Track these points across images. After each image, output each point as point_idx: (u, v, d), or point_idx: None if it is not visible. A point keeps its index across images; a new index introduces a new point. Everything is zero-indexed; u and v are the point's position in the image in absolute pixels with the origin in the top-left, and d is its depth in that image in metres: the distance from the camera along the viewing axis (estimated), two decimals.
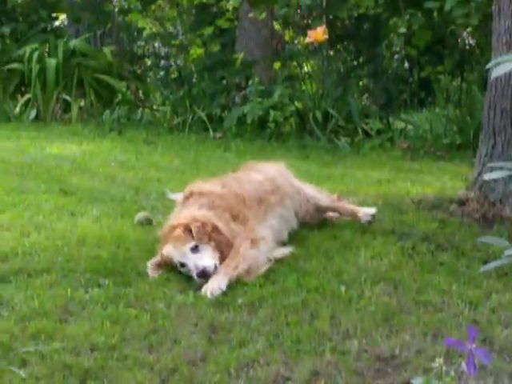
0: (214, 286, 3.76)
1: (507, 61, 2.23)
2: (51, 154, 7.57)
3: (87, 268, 4.02)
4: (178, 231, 4.06)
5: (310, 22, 11.31)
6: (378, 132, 9.23)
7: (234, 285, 3.85)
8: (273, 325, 3.45)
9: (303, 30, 11.23)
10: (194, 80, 10.97)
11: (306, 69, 11.71)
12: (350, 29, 12.62)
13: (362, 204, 5.23)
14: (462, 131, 8.73)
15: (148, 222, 4.92)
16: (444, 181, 6.51)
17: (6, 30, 11.74)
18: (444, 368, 2.21)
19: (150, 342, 3.28)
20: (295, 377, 3.03)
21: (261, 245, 4.19)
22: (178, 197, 4.89)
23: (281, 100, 9.42)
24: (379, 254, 4.35)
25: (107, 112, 10.30)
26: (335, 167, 7.39)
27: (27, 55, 10.80)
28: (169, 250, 4.05)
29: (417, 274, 4.07)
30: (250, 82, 9.83)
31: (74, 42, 11.30)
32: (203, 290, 3.76)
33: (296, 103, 9.70)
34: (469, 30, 10.96)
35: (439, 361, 2.22)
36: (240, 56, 10.63)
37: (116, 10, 13.52)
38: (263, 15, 9.87)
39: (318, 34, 8.61)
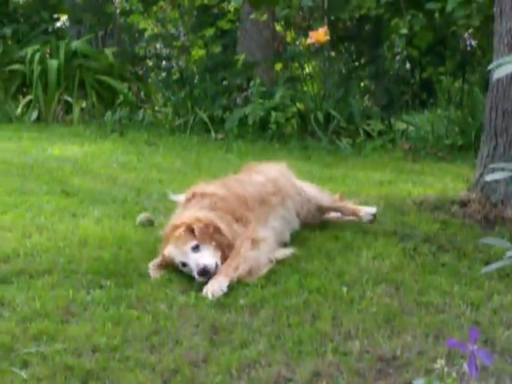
0: (215, 287, 3.76)
1: (509, 62, 2.23)
2: (53, 155, 7.58)
3: (89, 269, 4.02)
4: (180, 231, 4.07)
5: (311, 23, 11.30)
6: (380, 133, 9.23)
7: (236, 286, 3.85)
8: (274, 326, 3.45)
9: (305, 31, 11.22)
10: (196, 81, 10.98)
11: (307, 70, 11.72)
12: (352, 30, 12.62)
13: (364, 205, 5.23)
14: (463, 132, 8.73)
15: (150, 223, 4.92)
16: (446, 182, 6.51)
17: (8, 31, 11.77)
18: (446, 369, 2.21)
19: (152, 343, 3.28)
20: (297, 378, 3.03)
21: (262, 245, 4.20)
22: (179, 198, 4.89)
23: (282, 101, 9.42)
24: (381, 254, 4.35)
25: (109, 113, 10.31)
26: (337, 168, 7.39)
27: (29, 56, 10.82)
28: (170, 251, 4.05)
29: (418, 275, 4.07)
30: (252, 83, 9.85)
31: (75, 44, 11.31)
32: (204, 291, 3.76)
33: (297, 104, 9.70)
34: (470, 31, 10.96)
35: (441, 362, 2.22)
36: (241, 57, 10.63)
37: (117, 11, 13.54)
38: (265, 16, 9.88)
39: (320, 35, 8.61)
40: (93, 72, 11.09)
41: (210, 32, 12.09)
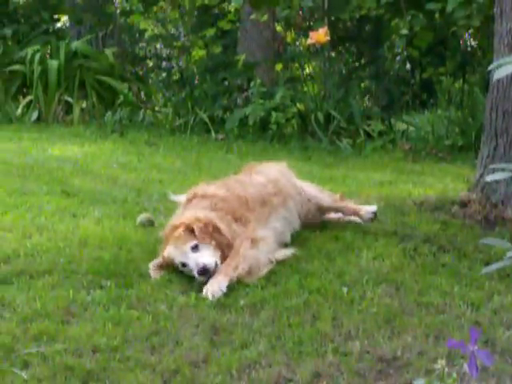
0: (215, 288, 3.76)
1: (509, 62, 2.23)
2: (53, 155, 7.58)
3: (89, 269, 4.02)
4: (179, 231, 4.07)
5: (311, 23, 11.30)
6: (380, 134, 9.23)
7: (236, 286, 3.85)
8: (274, 326, 3.45)
9: (305, 32, 11.22)
10: (196, 82, 10.98)
11: (307, 70, 11.72)
12: (352, 30, 12.61)
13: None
14: (463, 133, 8.73)
15: (150, 223, 4.92)
16: (446, 182, 6.51)
17: (8, 31, 11.76)
18: (446, 370, 2.21)
19: (152, 343, 3.28)
20: (297, 378, 3.03)
21: (261, 245, 4.20)
22: (180, 198, 4.90)
23: (283, 102, 9.42)
24: (381, 255, 4.35)
25: (109, 113, 10.31)
26: (337, 169, 7.39)
27: (29, 57, 10.82)
28: (170, 251, 4.06)
29: (419, 276, 4.07)
30: (252, 84, 9.85)
31: (75, 44, 11.31)
32: (204, 291, 3.76)
33: (298, 105, 9.71)
34: (470, 31, 10.96)
35: (441, 362, 2.22)
36: (242, 58, 10.63)
37: (118, 11, 13.52)
38: (265, 17, 9.88)
39: (320, 35, 8.61)
40: (93, 72, 11.09)
41: (210, 32, 12.08)
